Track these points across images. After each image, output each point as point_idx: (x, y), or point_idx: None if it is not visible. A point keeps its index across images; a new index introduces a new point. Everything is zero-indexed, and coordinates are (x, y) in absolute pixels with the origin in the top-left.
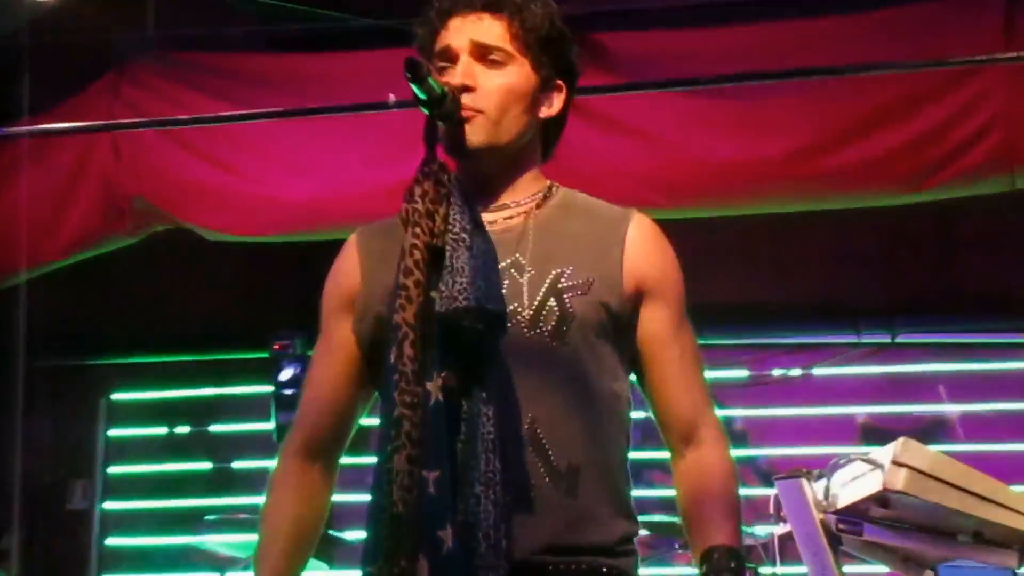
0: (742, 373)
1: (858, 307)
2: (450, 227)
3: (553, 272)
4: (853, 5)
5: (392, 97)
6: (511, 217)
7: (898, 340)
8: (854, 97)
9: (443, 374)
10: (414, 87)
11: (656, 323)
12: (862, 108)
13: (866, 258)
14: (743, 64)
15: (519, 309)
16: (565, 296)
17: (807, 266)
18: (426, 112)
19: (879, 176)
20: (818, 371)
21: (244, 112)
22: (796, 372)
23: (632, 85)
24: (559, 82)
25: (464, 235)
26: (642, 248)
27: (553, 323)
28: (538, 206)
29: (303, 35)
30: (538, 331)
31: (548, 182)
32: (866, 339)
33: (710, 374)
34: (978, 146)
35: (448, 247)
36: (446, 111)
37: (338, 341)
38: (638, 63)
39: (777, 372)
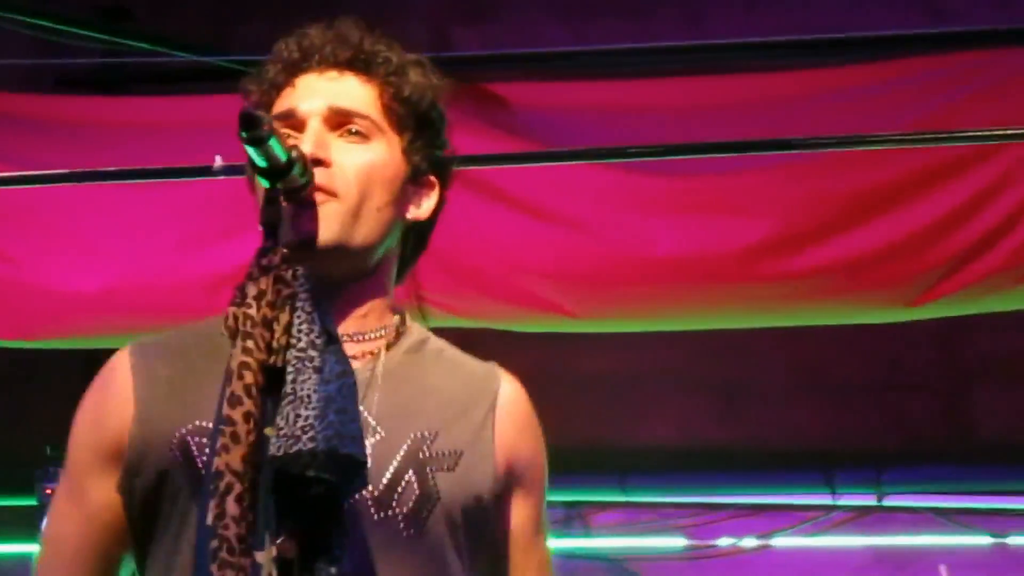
0: (678, 542)
1: (834, 456)
2: (294, 341)
3: (411, 435)
4: (854, 52)
5: (219, 160)
6: (354, 357)
7: (886, 503)
8: (838, 174)
9: (279, 541)
10: (251, 150)
11: (520, 521)
12: (847, 189)
13: (846, 391)
14: (691, 128)
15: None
16: (428, 469)
17: (767, 400)
18: (265, 185)
19: (865, 284)
20: (780, 541)
21: (15, 174)
22: (750, 542)
23: (540, 155)
24: (432, 178)
25: (312, 352)
26: (516, 421)
27: (411, 504)
28: (388, 347)
29: (101, 71)
30: (390, 514)
31: (398, 315)
32: (844, 500)
33: (638, 542)
34: (997, 246)
35: (290, 368)
36: (293, 185)
37: (96, 505)
38: (549, 123)
39: (725, 542)
